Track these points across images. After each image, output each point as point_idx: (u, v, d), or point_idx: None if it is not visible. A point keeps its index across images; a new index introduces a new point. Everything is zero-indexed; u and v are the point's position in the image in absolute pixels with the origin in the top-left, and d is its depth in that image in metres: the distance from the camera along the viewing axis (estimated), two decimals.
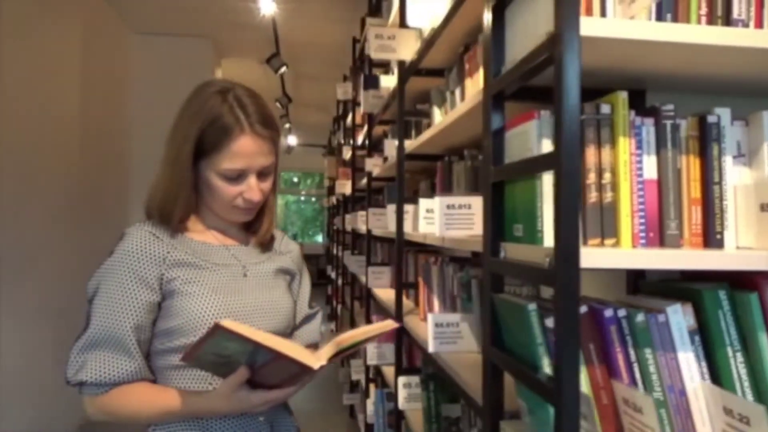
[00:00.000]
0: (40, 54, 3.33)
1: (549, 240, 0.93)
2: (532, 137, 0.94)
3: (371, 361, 2.74)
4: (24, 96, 3.11)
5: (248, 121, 1.04)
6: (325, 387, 5.07)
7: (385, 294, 2.89)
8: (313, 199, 13.95)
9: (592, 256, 0.80)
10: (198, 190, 1.09)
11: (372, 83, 3.17)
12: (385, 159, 3.14)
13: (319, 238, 13.40)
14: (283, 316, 1.13)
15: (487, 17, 1.07)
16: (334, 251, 7.30)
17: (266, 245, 1.19)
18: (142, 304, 1.01)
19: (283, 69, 4.90)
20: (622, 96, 0.93)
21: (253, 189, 1.07)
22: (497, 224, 1.05)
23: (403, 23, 2.20)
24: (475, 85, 1.64)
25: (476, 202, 1.56)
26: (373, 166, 3.18)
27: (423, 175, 2.55)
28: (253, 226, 1.18)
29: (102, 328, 1.00)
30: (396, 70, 2.52)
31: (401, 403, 2.10)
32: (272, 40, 5.38)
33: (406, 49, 2.16)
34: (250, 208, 1.11)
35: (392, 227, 2.34)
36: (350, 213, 4.70)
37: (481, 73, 1.57)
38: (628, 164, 0.94)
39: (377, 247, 3.67)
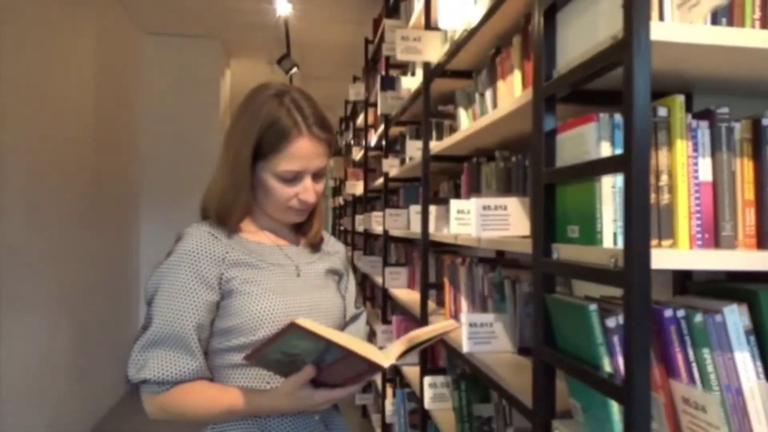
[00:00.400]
0: (56, 54, 3.34)
1: (608, 241, 0.94)
2: (591, 140, 0.95)
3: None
4: (39, 95, 3.12)
5: (306, 124, 1.06)
6: None
7: (403, 294, 2.90)
8: None
9: (659, 258, 0.82)
10: (253, 191, 1.10)
11: (389, 84, 3.19)
12: (403, 160, 3.16)
13: None
14: (336, 316, 1.14)
15: (539, 21, 1.08)
16: None
17: (316, 246, 1.21)
18: (203, 304, 1.03)
19: (294, 70, 4.91)
20: (679, 99, 0.95)
21: (308, 190, 1.09)
22: (549, 226, 1.06)
23: (428, 25, 2.21)
24: (508, 87, 1.65)
25: (512, 204, 1.58)
26: (390, 167, 3.20)
27: (443, 176, 2.56)
28: (303, 227, 1.19)
29: (164, 326, 1.01)
30: (418, 72, 2.54)
31: (427, 403, 2.11)
32: (280, 40, 5.38)
33: (432, 51, 2.17)
34: (304, 209, 1.12)
35: (416, 228, 2.35)
36: (362, 213, 4.71)
37: (516, 75, 1.59)
38: (685, 166, 0.95)
39: (391, 248, 3.68)
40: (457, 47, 1.85)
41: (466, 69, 2.07)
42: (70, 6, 3.49)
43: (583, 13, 0.98)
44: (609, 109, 0.98)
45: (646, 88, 0.78)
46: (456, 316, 2.06)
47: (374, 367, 0.89)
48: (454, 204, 1.81)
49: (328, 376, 0.96)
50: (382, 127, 3.48)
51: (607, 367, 0.91)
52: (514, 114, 1.37)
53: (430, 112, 2.21)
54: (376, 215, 3.74)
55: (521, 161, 1.61)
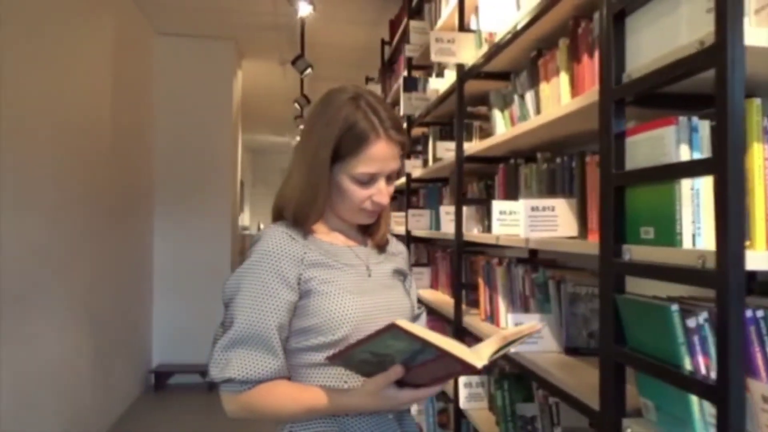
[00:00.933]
0: (75, 56, 3.34)
1: (688, 242, 0.95)
2: (669, 143, 0.97)
3: None
4: (59, 98, 3.12)
5: (383, 127, 1.07)
6: None
7: (429, 295, 2.92)
8: None
9: (749, 259, 0.83)
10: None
11: (412, 85, 3.20)
12: (425, 161, 3.17)
13: None
14: (405, 315, 1.15)
15: (607, 26, 1.10)
16: None
17: (382, 247, 1.22)
18: (285, 304, 1.04)
19: (308, 71, 4.91)
20: (756, 102, 0.96)
21: (382, 192, 1.10)
22: (620, 227, 1.08)
23: (461, 27, 2.23)
24: (553, 89, 1.66)
25: (559, 205, 1.59)
26: (413, 167, 3.21)
27: (472, 176, 2.57)
28: (370, 228, 1.21)
29: (247, 326, 1.02)
30: (447, 73, 2.55)
31: (462, 402, 2.12)
32: (292, 41, 5.39)
33: (465, 53, 2.19)
34: (376, 211, 1.14)
35: (448, 228, 2.36)
36: None
37: (562, 77, 1.61)
38: (762, 168, 0.96)
39: (411, 248, 3.69)
40: (497, 49, 1.87)
41: (502, 71, 2.09)
42: (89, 7, 3.50)
43: (659, 18, 1.00)
44: (682, 112, 0.99)
45: (741, 92, 0.79)
46: (492, 316, 2.08)
47: (468, 367, 0.90)
48: (497, 205, 1.83)
49: (414, 375, 0.97)
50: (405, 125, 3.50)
51: (688, 366, 0.93)
52: (571, 116, 1.38)
53: (464, 114, 2.22)
54: (397, 215, 3.75)
55: (567, 163, 1.63)
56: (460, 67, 2.21)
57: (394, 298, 1.15)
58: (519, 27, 1.69)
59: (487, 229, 2.26)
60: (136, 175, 4.60)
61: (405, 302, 1.17)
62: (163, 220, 5.06)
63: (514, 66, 1.99)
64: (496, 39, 1.86)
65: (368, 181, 1.09)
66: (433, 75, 2.92)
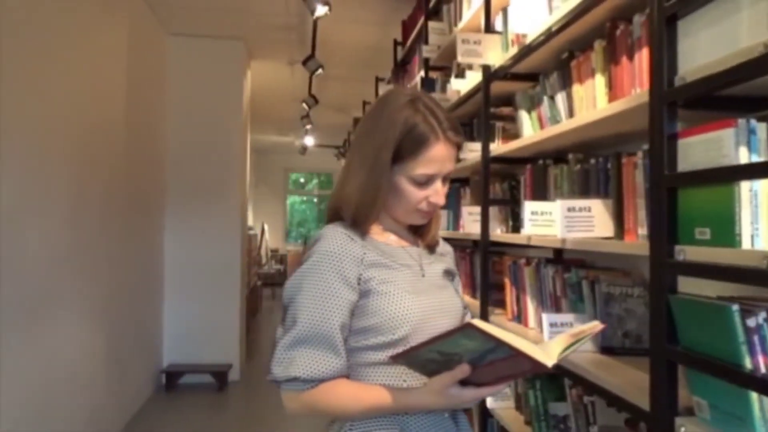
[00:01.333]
0: (90, 58, 3.35)
1: (746, 243, 0.97)
2: (728, 145, 0.98)
3: None
4: (74, 99, 3.12)
5: (441, 129, 1.08)
6: None
7: None
8: (315, 199, 13.98)
9: None
10: None
11: (430, 86, 3.22)
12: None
13: None
14: (458, 315, 1.16)
15: (659, 29, 1.11)
16: None
17: (432, 247, 1.23)
18: (346, 303, 1.05)
19: (319, 71, 4.92)
20: None
21: (439, 193, 1.11)
22: (672, 228, 1.09)
23: (488, 28, 2.24)
24: (587, 91, 1.68)
25: (596, 205, 1.60)
26: None
27: (494, 177, 2.58)
28: (421, 229, 1.22)
29: (310, 325, 1.03)
30: (469, 74, 2.56)
31: (490, 402, 2.14)
32: (301, 41, 5.40)
33: (492, 54, 2.20)
34: (431, 212, 1.15)
35: (472, 229, 2.37)
36: None
37: (598, 79, 1.62)
38: None
39: None
40: (528, 51, 1.88)
41: (528, 72, 2.10)
42: (103, 8, 3.50)
43: (716, 21, 1.01)
44: (734, 114, 1.01)
45: None
46: (519, 316, 2.09)
47: (538, 366, 0.91)
48: (529, 205, 1.84)
49: (478, 374, 0.98)
50: None
51: (748, 365, 0.94)
52: (612, 118, 1.40)
53: (489, 115, 2.23)
54: None
55: (602, 164, 1.64)
56: (485, 68, 2.22)
57: (447, 298, 1.16)
58: (554, 29, 1.70)
59: (512, 229, 2.28)
60: (148, 175, 4.61)
61: (457, 302, 1.19)
62: (173, 220, 5.07)
63: (542, 67, 2.00)
64: (527, 40, 1.87)
65: (426, 182, 1.10)
66: (452, 76, 2.93)
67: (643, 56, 1.40)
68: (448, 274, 1.23)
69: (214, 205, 5.18)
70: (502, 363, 0.94)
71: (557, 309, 1.84)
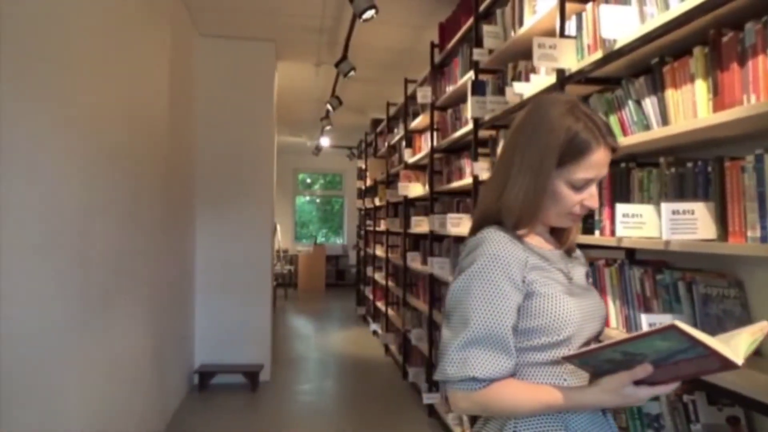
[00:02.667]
0: (139, 60, 3.36)
1: None
2: None
3: None
4: (128, 101, 3.14)
5: (601, 135, 1.11)
6: (387, 386, 5.12)
7: None
8: (318, 200, 13.98)
9: None
10: None
11: (480, 89, 3.25)
12: (494, 163, 3.21)
13: (338, 239, 13.43)
14: (603, 319, 1.20)
15: None
16: (378, 252, 7.36)
17: (571, 250, 1.26)
18: (515, 305, 1.08)
19: (352, 73, 4.95)
20: None
21: (594, 196, 1.15)
22: None
23: (562, 33, 2.27)
24: (685, 96, 1.71)
25: (698, 208, 1.64)
26: (481, 169, 3.25)
27: None
28: (562, 231, 1.25)
29: (483, 327, 1.06)
30: (534, 78, 2.60)
31: None
32: (330, 43, 5.42)
33: (566, 58, 2.23)
34: (581, 214, 1.18)
35: None
36: (418, 216, 4.72)
37: (699, 85, 1.65)
38: None
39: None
40: (617, 56, 1.91)
41: (606, 76, 2.13)
42: (149, 10, 3.51)
43: None
44: None
45: None
46: None
47: (728, 365, 0.94)
48: (621, 208, 1.87)
49: (657, 373, 1.01)
50: (464, 130, 3.54)
51: None
52: (727, 124, 1.43)
53: None
54: (453, 217, 3.80)
55: (701, 167, 1.67)
56: (559, 72, 2.25)
57: (595, 300, 1.20)
58: (650, 36, 1.73)
59: (581, 230, 2.31)
60: (184, 175, 4.62)
61: (602, 306, 1.22)
62: (203, 220, 5.09)
63: (623, 71, 2.03)
64: (616, 46, 1.91)
65: (583, 186, 1.13)
66: (509, 79, 2.96)
67: (759, 63, 1.43)
68: (587, 276, 1.26)
69: (244, 205, 5.20)
70: (688, 362, 0.96)
71: (647, 310, 1.87)
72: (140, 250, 3.34)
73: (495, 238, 1.12)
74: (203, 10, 4.69)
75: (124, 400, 3.06)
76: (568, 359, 1.06)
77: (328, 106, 6.49)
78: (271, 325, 5.39)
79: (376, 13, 3.58)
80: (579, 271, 1.23)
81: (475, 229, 1.18)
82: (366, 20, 3.60)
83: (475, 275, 1.09)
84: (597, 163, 1.12)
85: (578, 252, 1.33)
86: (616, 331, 1.99)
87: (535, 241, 1.19)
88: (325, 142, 9.49)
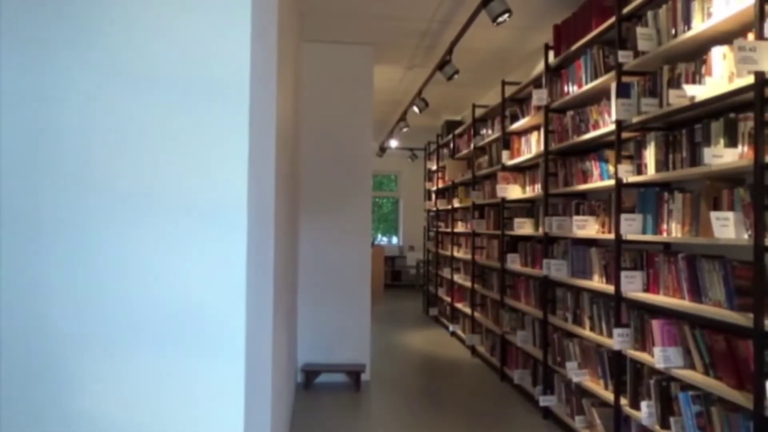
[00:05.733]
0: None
1: None
2: None
3: (659, 364, 2.80)
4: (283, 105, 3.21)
5: None
6: (486, 388, 5.13)
7: (650, 298, 2.98)
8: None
9: None
10: None
11: (624, 92, 3.24)
12: (639, 166, 3.20)
13: (394, 239, 13.49)
14: None
15: None
16: (456, 254, 7.37)
17: None
18: None
19: (456, 76, 4.98)
20: None
21: None
22: None
23: (761, 36, 2.26)
24: None
25: None
26: (625, 172, 3.24)
27: (725, 183, 2.59)
28: None
29: None
30: (708, 80, 2.58)
31: None
32: (430, 46, 5.43)
33: (767, 60, 2.22)
34: None
35: (723, 234, 2.38)
36: (551, 216, 4.64)
37: None
38: None
39: (569, 252, 3.71)
40: None
41: None
42: (298, 25, 3.59)
43: None
44: None
45: None
46: None
47: None
48: None
49: None
50: (602, 131, 3.52)
51: None
52: None
53: (762, 121, 2.25)
54: (579, 219, 3.79)
55: None
56: (758, 74, 2.24)
57: None
58: None
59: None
60: (296, 179, 4.71)
61: None
62: (306, 221, 5.17)
63: None
64: None
65: None
66: (663, 81, 2.95)
67: None
68: None
69: (346, 207, 5.28)
70: None
71: None
72: (281, 251, 3.41)
73: None
74: (311, 16, 4.76)
75: (279, 396, 3.13)
76: None
77: (415, 108, 6.52)
78: (372, 327, 5.44)
79: (510, 16, 3.60)
80: None
81: None
82: (499, 24, 3.62)
83: None
84: None
85: None
86: None
87: None
88: (393, 143, 9.54)
